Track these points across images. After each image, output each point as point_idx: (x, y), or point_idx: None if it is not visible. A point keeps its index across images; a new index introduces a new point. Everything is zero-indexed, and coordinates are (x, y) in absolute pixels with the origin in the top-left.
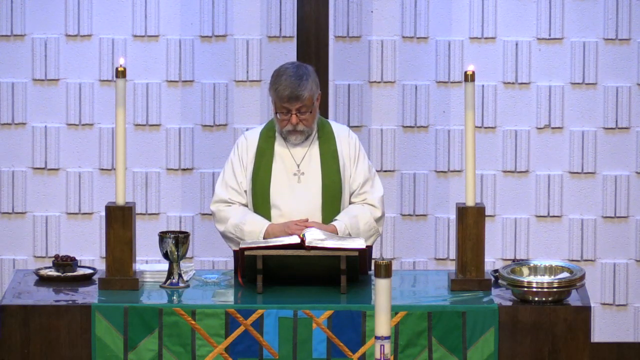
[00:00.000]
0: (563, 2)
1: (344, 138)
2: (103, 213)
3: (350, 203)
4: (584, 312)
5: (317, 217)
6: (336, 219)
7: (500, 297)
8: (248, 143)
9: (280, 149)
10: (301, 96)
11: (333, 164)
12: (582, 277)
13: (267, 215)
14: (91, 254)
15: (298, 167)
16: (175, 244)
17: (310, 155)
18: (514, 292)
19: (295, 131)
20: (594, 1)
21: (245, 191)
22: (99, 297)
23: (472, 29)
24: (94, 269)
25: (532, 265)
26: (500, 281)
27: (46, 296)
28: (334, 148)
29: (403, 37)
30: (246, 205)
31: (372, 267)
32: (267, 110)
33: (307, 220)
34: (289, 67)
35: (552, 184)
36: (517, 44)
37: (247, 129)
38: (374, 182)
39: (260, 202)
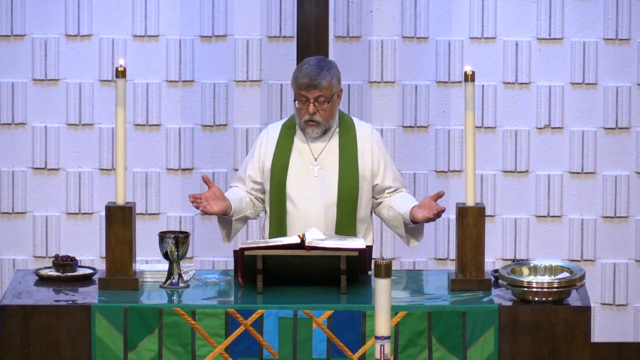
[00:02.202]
0: (563, 2)
1: (367, 136)
2: (103, 213)
3: (384, 198)
4: (584, 312)
5: (332, 211)
6: (413, 205)
7: (500, 297)
8: (269, 136)
9: (299, 142)
10: (319, 84)
11: (351, 160)
12: (582, 277)
13: (282, 208)
14: (91, 254)
15: (315, 160)
16: (175, 244)
17: (329, 149)
18: (514, 292)
19: (312, 122)
20: (594, 1)
21: (255, 182)
22: (99, 297)
23: (472, 29)
24: (94, 269)
25: (532, 265)
26: (500, 281)
27: (46, 296)
28: (354, 144)
29: (403, 37)
30: (250, 193)
31: (372, 267)
32: (268, 110)
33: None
34: (312, 59)
35: (552, 184)
36: (517, 44)
37: (267, 124)
38: (400, 178)
39: (277, 194)
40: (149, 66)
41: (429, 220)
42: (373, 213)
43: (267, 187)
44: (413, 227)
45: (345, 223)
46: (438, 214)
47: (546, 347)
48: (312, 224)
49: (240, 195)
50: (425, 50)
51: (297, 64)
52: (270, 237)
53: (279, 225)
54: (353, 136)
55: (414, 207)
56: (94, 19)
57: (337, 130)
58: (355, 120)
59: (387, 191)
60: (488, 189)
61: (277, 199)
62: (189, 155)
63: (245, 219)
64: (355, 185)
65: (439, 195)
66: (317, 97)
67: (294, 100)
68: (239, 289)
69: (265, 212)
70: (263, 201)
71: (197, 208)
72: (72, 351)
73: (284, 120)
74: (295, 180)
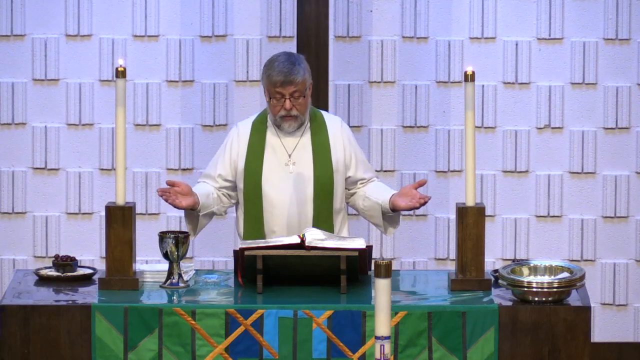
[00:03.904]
0: (563, 2)
1: (337, 129)
2: (103, 213)
3: (357, 189)
4: (584, 312)
5: (309, 207)
6: (391, 194)
7: (500, 297)
8: (240, 134)
9: (272, 138)
10: (294, 80)
11: (324, 154)
12: (582, 277)
13: (259, 206)
14: (91, 254)
15: (289, 157)
16: (175, 244)
17: (302, 145)
18: (514, 292)
19: (289, 117)
20: (594, 1)
21: (226, 180)
22: (99, 297)
23: (472, 29)
24: (94, 269)
25: (532, 265)
26: (500, 281)
27: (46, 296)
28: (326, 138)
29: (403, 37)
30: (219, 190)
31: (372, 267)
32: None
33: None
34: (280, 54)
35: (552, 184)
36: (517, 44)
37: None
38: (371, 168)
39: (252, 193)
40: (149, 66)
41: (412, 208)
42: (347, 204)
43: (241, 186)
44: (391, 216)
45: (322, 217)
46: (423, 204)
47: (546, 347)
48: (288, 220)
49: (207, 191)
50: (425, 50)
51: None
52: (246, 234)
53: (255, 223)
54: (325, 131)
55: (393, 195)
56: (94, 19)
57: (309, 125)
58: (325, 114)
59: (360, 182)
60: (488, 189)
61: (253, 198)
62: (189, 155)
63: (211, 215)
64: (330, 180)
65: (421, 184)
66: (292, 93)
67: (268, 98)
68: (239, 289)
69: (238, 207)
70: (231, 197)
71: (166, 201)
72: (72, 351)
73: (253, 117)
74: (271, 177)
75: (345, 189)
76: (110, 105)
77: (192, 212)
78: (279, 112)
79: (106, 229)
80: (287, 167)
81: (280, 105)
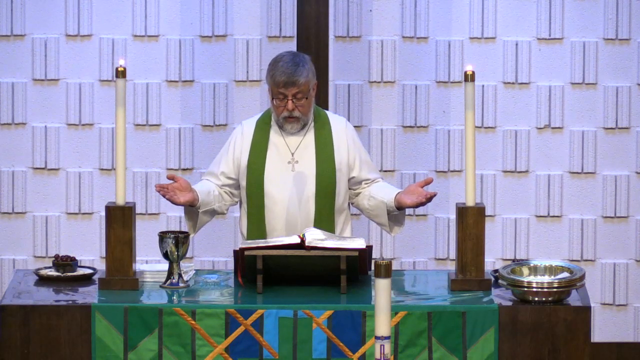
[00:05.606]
0: (563, 2)
1: (341, 129)
2: (103, 213)
3: (362, 189)
4: (584, 312)
5: (311, 205)
6: (397, 192)
7: (500, 297)
8: (244, 132)
9: (275, 137)
10: (297, 81)
11: (328, 154)
12: (582, 277)
13: (261, 204)
14: (91, 254)
15: (292, 155)
16: (175, 244)
17: (305, 144)
18: (514, 292)
19: (291, 118)
20: (594, 1)
21: (229, 177)
22: (99, 297)
23: (472, 29)
24: (94, 269)
25: (532, 265)
26: (500, 281)
27: (46, 296)
28: (329, 138)
29: (403, 37)
30: (221, 187)
31: (372, 267)
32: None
33: None
34: (285, 54)
35: (552, 184)
36: (517, 44)
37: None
38: (375, 168)
39: (255, 191)
40: (149, 66)
41: (419, 205)
42: (351, 204)
43: (243, 184)
44: (396, 215)
45: (324, 216)
46: (429, 199)
47: (546, 347)
48: (290, 219)
49: (209, 188)
50: (425, 50)
51: None
52: (248, 233)
53: (257, 222)
54: (328, 130)
55: (399, 193)
56: (94, 19)
57: (313, 124)
58: (329, 114)
59: (364, 183)
60: (488, 189)
61: (255, 196)
62: (189, 155)
63: (212, 212)
64: (333, 179)
65: (427, 182)
66: (295, 94)
67: (272, 98)
68: (239, 289)
69: (241, 205)
70: (233, 195)
71: (164, 197)
72: (72, 351)
73: (258, 116)
74: (273, 176)
75: (350, 189)
76: (110, 105)
77: (192, 209)
78: (281, 112)
79: (106, 229)
80: (290, 165)
81: (283, 106)
